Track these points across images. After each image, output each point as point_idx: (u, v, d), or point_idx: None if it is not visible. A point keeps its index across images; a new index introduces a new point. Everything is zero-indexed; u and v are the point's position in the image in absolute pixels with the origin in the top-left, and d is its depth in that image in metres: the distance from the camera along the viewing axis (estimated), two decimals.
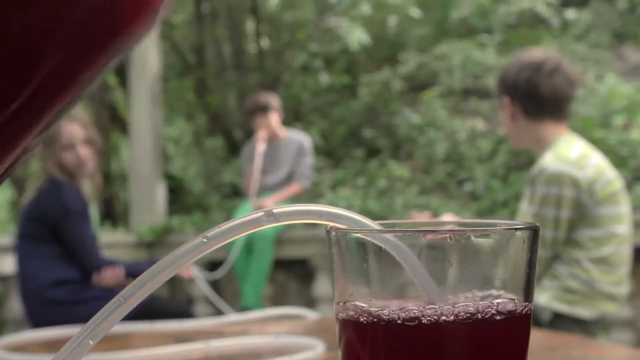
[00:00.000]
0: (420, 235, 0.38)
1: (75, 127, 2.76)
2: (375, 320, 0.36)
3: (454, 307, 0.36)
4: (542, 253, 1.97)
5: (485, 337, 0.36)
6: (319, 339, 0.94)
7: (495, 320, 0.36)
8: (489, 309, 0.36)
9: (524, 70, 2.06)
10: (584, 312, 1.96)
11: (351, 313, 0.37)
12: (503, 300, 0.37)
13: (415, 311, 0.36)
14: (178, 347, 0.97)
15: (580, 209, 1.94)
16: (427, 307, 0.36)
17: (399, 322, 0.36)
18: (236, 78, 8.45)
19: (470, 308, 0.36)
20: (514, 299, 0.37)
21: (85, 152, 2.76)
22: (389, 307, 0.37)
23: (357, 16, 7.28)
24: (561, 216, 1.93)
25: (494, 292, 0.37)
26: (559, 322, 1.95)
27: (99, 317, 0.34)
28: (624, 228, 1.99)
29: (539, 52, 2.16)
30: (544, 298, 1.97)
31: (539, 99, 2.07)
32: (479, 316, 0.36)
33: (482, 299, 0.37)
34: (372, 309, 0.37)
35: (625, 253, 2.01)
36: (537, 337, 0.95)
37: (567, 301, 1.96)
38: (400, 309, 0.37)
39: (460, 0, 7.38)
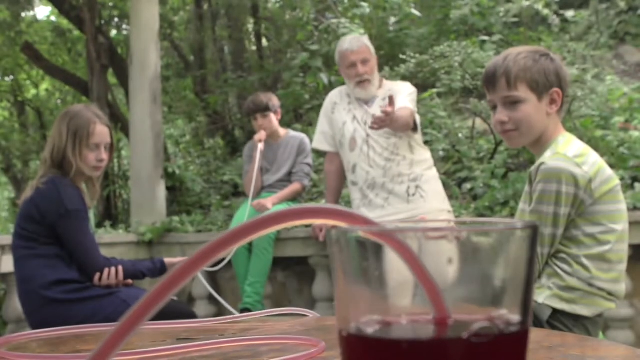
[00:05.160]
0: (420, 234, 0.38)
1: (105, 130, 2.82)
2: (376, 337, 0.36)
3: (453, 324, 0.36)
4: (540, 250, 1.97)
5: (485, 355, 0.36)
6: (319, 339, 0.94)
7: (495, 338, 0.36)
8: (489, 327, 0.36)
9: (555, 61, 2.04)
10: (583, 310, 1.96)
11: (353, 328, 0.37)
12: (502, 316, 0.37)
13: (414, 330, 0.36)
14: (178, 347, 0.97)
15: (579, 206, 1.94)
16: (428, 325, 0.36)
17: (398, 339, 0.36)
18: (236, 78, 8.45)
19: (469, 325, 0.36)
20: (512, 316, 0.37)
21: (105, 157, 2.80)
22: (389, 323, 0.37)
23: (357, 16, 7.28)
24: (560, 213, 1.93)
25: (493, 307, 0.37)
26: (558, 320, 1.95)
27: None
28: (622, 225, 1.99)
29: (536, 47, 2.14)
30: (543, 296, 1.97)
31: (565, 90, 2.06)
32: (478, 333, 0.35)
33: (482, 315, 0.37)
34: (371, 328, 0.37)
35: (623, 250, 2.00)
36: (536, 336, 0.95)
37: (566, 299, 1.96)
38: (399, 325, 0.37)
39: (460, 0, 7.38)
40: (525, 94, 2.00)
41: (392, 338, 0.36)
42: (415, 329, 0.37)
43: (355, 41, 3.68)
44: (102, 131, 2.79)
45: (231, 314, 3.58)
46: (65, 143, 2.73)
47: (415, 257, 0.36)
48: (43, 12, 21.97)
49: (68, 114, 2.80)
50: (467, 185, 5.20)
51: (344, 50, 3.68)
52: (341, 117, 3.72)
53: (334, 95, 3.83)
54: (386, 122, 3.18)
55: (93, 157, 2.77)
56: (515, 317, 0.37)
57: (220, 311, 4.81)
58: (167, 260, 2.98)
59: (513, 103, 2.01)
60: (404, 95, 3.54)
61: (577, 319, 1.96)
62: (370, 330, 0.37)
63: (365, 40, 3.71)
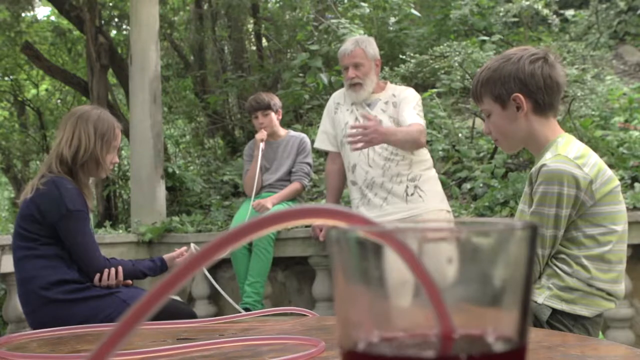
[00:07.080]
0: (420, 234, 0.38)
1: (121, 133, 2.95)
2: (374, 355, 0.36)
3: (453, 341, 0.36)
4: (541, 251, 1.97)
5: None
6: (319, 339, 0.94)
7: (493, 356, 0.36)
8: (487, 344, 0.36)
9: (535, 61, 2.02)
10: (582, 310, 1.96)
11: (352, 344, 0.37)
12: (500, 329, 0.37)
13: (412, 347, 0.36)
14: (178, 347, 0.97)
15: (580, 207, 1.94)
16: (427, 341, 0.36)
17: (396, 357, 0.36)
18: (236, 78, 8.45)
19: (470, 342, 0.36)
20: (511, 331, 0.37)
21: (117, 159, 2.92)
22: (388, 339, 0.37)
23: (357, 16, 7.28)
24: (561, 214, 1.93)
25: (492, 307, 0.37)
26: (558, 320, 1.96)
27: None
28: (622, 226, 1.99)
29: (522, 48, 2.13)
30: (543, 296, 1.97)
31: (552, 92, 2.04)
32: (477, 353, 0.36)
33: (481, 327, 0.37)
34: (369, 345, 0.37)
35: (623, 251, 2.01)
36: (535, 336, 0.95)
37: (565, 299, 1.96)
38: (398, 342, 0.37)
39: (460, 0, 7.38)
40: (489, 105, 2.08)
41: (390, 356, 0.36)
42: (414, 346, 0.37)
43: (351, 44, 3.69)
44: (120, 135, 2.93)
45: (236, 310, 3.59)
46: (94, 144, 2.79)
47: (415, 257, 0.36)
48: (43, 12, 21.97)
49: (90, 116, 2.85)
50: (467, 185, 5.20)
51: (340, 52, 3.75)
52: (344, 117, 3.74)
53: (337, 96, 3.86)
54: (367, 136, 3.22)
55: (110, 160, 2.87)
56: (514, 335, 0.37)
57: (220, 311, 4.81)
58: (166, 256, 2.99)
59: (488, 115, 2.10)
60: (411, 107, 3.54)
61: (576, 319, 1.96)
62: (368, 347, 0.37)
63: (363, 43, 3.69)
